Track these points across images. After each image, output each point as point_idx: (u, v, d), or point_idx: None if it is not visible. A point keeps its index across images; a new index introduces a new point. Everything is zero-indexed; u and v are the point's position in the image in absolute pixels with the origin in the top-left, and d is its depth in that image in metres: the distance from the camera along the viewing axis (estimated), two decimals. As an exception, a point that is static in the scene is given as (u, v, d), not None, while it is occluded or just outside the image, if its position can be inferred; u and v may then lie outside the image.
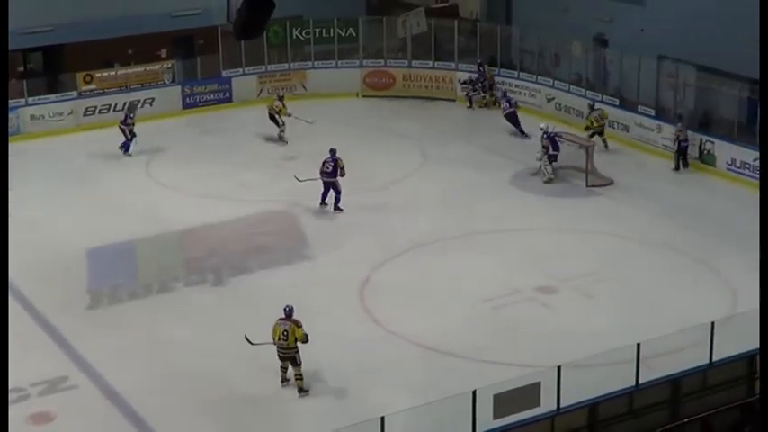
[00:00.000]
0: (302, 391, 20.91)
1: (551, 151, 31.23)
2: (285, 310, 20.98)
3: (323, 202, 29.33)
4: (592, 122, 33.85)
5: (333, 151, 29.21)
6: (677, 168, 32.06)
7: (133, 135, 34.19)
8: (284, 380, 21.22)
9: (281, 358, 21.01)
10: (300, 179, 29.73)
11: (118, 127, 34.30)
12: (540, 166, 31.33)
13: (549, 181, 31.16)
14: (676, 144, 32.14)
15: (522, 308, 24.28)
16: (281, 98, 35.62)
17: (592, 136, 33.48)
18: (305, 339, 20.72)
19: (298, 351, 20.83)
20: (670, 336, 19.81)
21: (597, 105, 34.44)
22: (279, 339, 20.83)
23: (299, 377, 20.96)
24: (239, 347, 22.08)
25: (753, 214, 27.02)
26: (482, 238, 27.82)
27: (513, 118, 35.39)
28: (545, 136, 31.35)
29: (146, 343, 22.90)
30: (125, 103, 36.32)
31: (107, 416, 20.30)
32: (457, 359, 21.98)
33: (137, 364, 22.09)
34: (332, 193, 29.17)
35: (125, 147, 34.10)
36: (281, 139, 34.90)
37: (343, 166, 29.02)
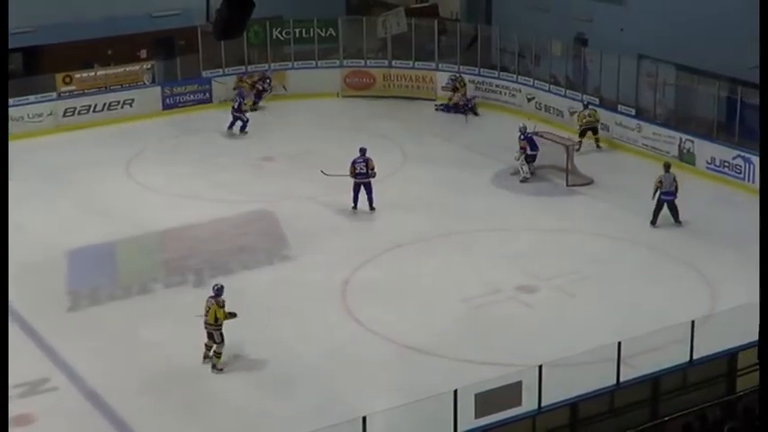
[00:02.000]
0: (215, 368, 21.62)
1: (529, 151, 31.26)
2: (213, 288, 21.86)
3: (355, 206, 29.20)
4: (582, 119, 33.78)
5: (363, 150, 29.17)
6: (653, 223, 28.15)
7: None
8: (205, 356, 21.91)
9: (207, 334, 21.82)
10: (327, 173, 29.57)
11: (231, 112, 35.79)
12: (520, 167, 31.36)
13: (524, 180, 31.18)
14: (657, 196, 28.17)
15: (503, 307, 24.31)
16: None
17: (583, 134, 33.42)
18: (226, 318, 21.62)
19: (219, 329, 21.60)
20: (650, 334, 19.88)
21: (591, 106, 34.35)
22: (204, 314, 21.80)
23: (217, 355, 21.71)
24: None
25: (732, 212, 27.25)
26: (463, 238, 27.84)
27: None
28: (522, 136, 31.36)
29: (126, 344, 22.85)
30: (236, 89, 37.72)
31: (88, 417, 20.25)
32: (438, 359, 21.99)
33: (117, 365, 22.04)
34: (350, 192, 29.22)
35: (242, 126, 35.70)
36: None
37: (373, 167, 29.05)
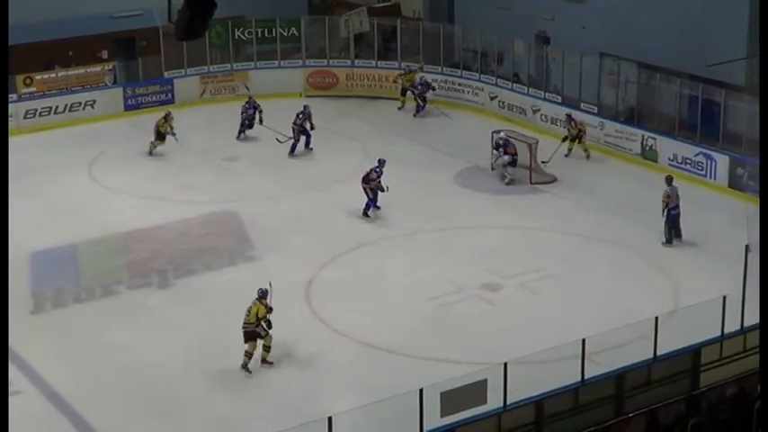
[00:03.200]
0: (265, 362, 21.74)
1: (503, 155, 31.06)
2: (258, 291, 21.84)
3: (366, 213, 29.02)
4: (570, 129, 33.31)
5: (381, 162, 29.11)
6: (669, 242, 27.06)
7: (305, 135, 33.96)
8: (245, 365, 21.64)
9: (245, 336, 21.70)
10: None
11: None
12: (504, 171, 31.16)
13: (510, 182, 31.04)
14: (665, 213, 27.18)
15: (468, 305, 24.35)
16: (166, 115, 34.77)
17: (570, 140, 33.16)
18: (267, 313, 21.69)
19: (260, 325, 21.60)
20: (614, 331, 19.98)
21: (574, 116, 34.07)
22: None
23: (266, 348, 21.84)
24: (185, 349, 22.08)
25: (694, 209, 27.40)
26: (427, 237, 27.88)
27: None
28: (499, 142, 31.18)
29: (91, 347, 22.75)
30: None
31: (52, 421, 20.15)
32: (403, 358, 22.02)
33: (81, 368, 21.94)
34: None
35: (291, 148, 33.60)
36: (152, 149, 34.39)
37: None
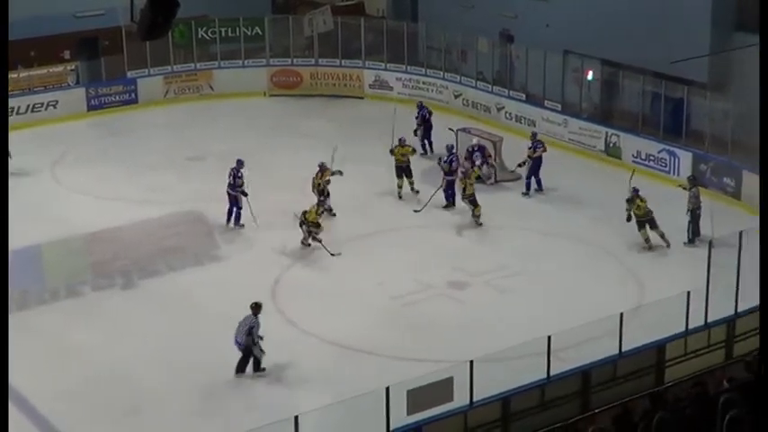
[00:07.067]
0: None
1: (481, 163, 30.90)
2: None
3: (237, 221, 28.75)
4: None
5: (240, 163, 28.61)
6: (692, 241, 26.95)
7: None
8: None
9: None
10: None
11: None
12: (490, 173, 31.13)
13: (492, 181, 31.03)
14: (689, 213, 27.11)
15: (434, 304, 24.41)
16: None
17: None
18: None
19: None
20: (580, 327, 20.06)
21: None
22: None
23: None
24: (150, 350, 22.02)
25: (658, 205, 27.54)
26: (393, 236, 27.91)
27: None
28: (474, 148, 31.09)
29: (55, 349, 22.65)
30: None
31: (16, 424, 19.98)
32: (370, 356, 22.04)
33: (46, 370, 21.84)
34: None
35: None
36: None
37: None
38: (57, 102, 37.54)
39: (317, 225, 26.79)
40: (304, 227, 26.89)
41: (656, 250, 26.58)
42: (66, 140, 35.24)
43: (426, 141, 33.75)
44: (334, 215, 28.81)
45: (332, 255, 26.00)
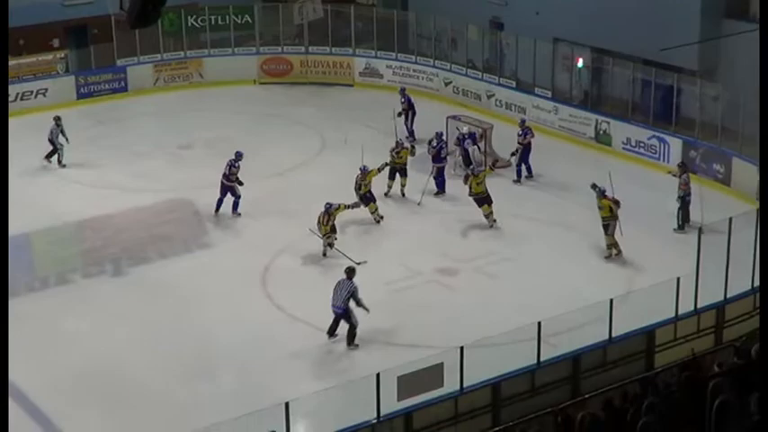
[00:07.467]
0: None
1: (471, 146, 30.91)
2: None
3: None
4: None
5: (238, 155, 28.45)
6: (681, 228, 26.97)
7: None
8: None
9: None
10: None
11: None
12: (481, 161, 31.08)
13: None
14: (679, 200, 27.11)
15: (423, 290, 24.44)
16: None
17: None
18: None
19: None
20: (570, 314, 20.10)
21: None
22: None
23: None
24: (140, 337, 22.00)
25: (648, 192, 27.62)
26: (382, 222, 27.89)
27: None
28: (465, 136, 31.04)
29: (46, 337, 22.64)
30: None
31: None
32: (360, 343, 22.04)
33: (37, 358, 21.81)
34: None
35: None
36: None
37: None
38: (46, 90, 37.45)
39: (333, 230, 26.03)
40: (324, 239, 25.95)
41: (649, 237, 26.52)
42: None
43: (408, 126, 33.65)
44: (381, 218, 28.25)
45: (357, 264, 25.23)
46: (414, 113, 33.91)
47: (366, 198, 27.70)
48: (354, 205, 27.12)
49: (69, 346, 22.21)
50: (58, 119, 32.56)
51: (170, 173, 31.41)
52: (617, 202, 25.74)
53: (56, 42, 39.41)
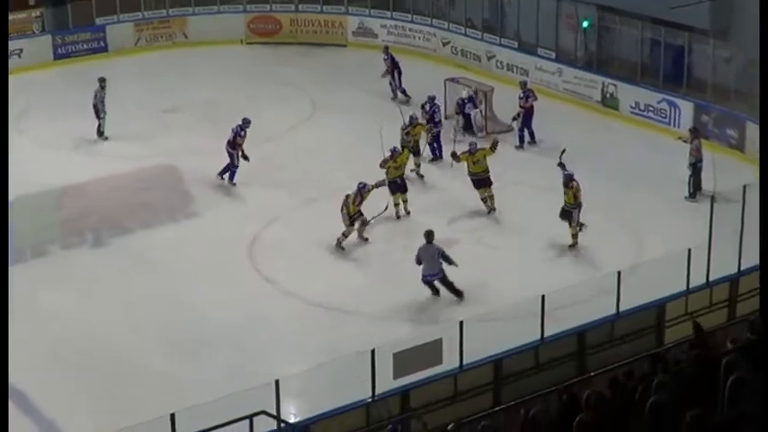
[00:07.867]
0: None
1: (473, 110, 30.87)
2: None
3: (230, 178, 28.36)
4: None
5: (246, 122, 28.43)
6: (693, 196, 26.90)
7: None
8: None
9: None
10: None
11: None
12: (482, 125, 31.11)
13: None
14: (690, 167, 26.99)
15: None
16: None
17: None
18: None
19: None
20: (575, 286, 20.07)
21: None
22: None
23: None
24: (123, 310, 21.96)
25: (658, 157, 27.53)
26: (376, 190, 27.75)
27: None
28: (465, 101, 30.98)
29: (24, 311, 22.38)
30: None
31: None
32: (354, 317, 22.04)
33: (15, 333, 21.63)
34: None
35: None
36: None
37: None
38: (21, 50, 37.25)
39: (360, 212, 25.24)
40: (355, 224, 25.17)
41: (658, 206, 26.45)
42: (32, 91, 34.94)
43: (397, 85, 33.57)
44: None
45: (383, 211, 25.77)
46: (399, 72, 33.80)
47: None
48: (380, 184, 26.22)
49: (48, 321, 22.16)
50: (102, 80, 31.59)
51: (154, 138, 31.31)
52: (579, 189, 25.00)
53: (32, 0, 39.18)
